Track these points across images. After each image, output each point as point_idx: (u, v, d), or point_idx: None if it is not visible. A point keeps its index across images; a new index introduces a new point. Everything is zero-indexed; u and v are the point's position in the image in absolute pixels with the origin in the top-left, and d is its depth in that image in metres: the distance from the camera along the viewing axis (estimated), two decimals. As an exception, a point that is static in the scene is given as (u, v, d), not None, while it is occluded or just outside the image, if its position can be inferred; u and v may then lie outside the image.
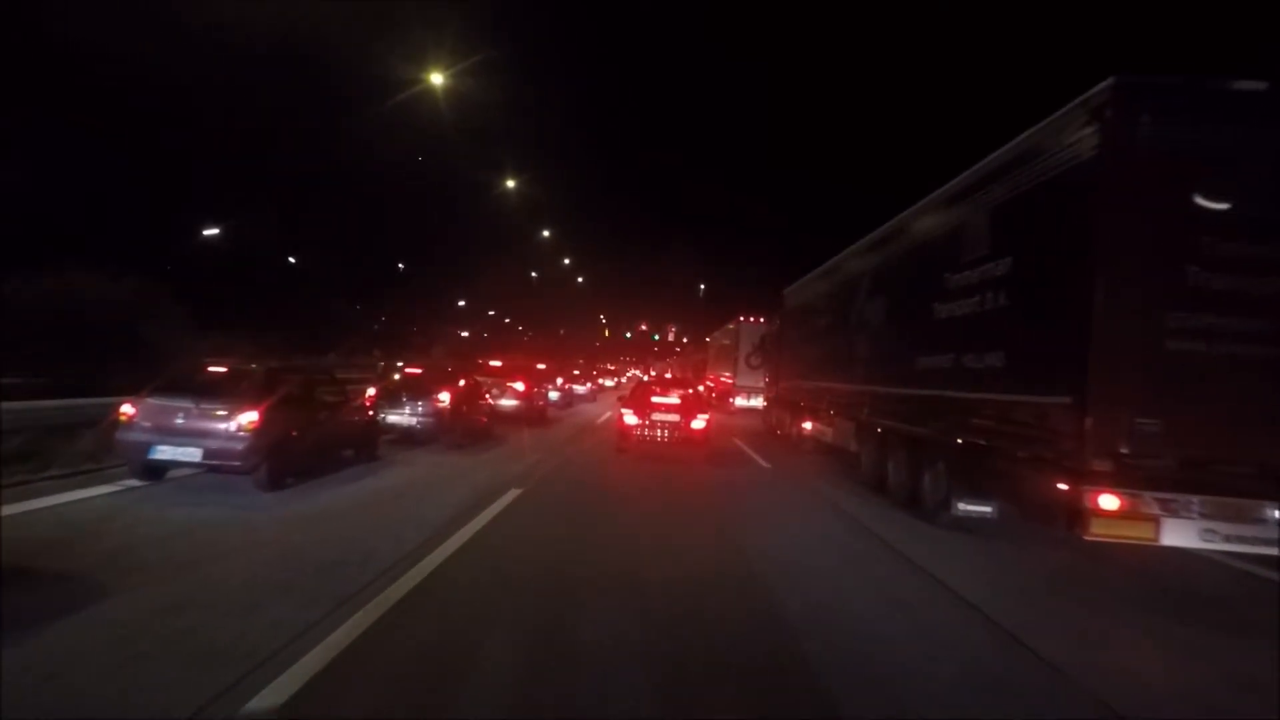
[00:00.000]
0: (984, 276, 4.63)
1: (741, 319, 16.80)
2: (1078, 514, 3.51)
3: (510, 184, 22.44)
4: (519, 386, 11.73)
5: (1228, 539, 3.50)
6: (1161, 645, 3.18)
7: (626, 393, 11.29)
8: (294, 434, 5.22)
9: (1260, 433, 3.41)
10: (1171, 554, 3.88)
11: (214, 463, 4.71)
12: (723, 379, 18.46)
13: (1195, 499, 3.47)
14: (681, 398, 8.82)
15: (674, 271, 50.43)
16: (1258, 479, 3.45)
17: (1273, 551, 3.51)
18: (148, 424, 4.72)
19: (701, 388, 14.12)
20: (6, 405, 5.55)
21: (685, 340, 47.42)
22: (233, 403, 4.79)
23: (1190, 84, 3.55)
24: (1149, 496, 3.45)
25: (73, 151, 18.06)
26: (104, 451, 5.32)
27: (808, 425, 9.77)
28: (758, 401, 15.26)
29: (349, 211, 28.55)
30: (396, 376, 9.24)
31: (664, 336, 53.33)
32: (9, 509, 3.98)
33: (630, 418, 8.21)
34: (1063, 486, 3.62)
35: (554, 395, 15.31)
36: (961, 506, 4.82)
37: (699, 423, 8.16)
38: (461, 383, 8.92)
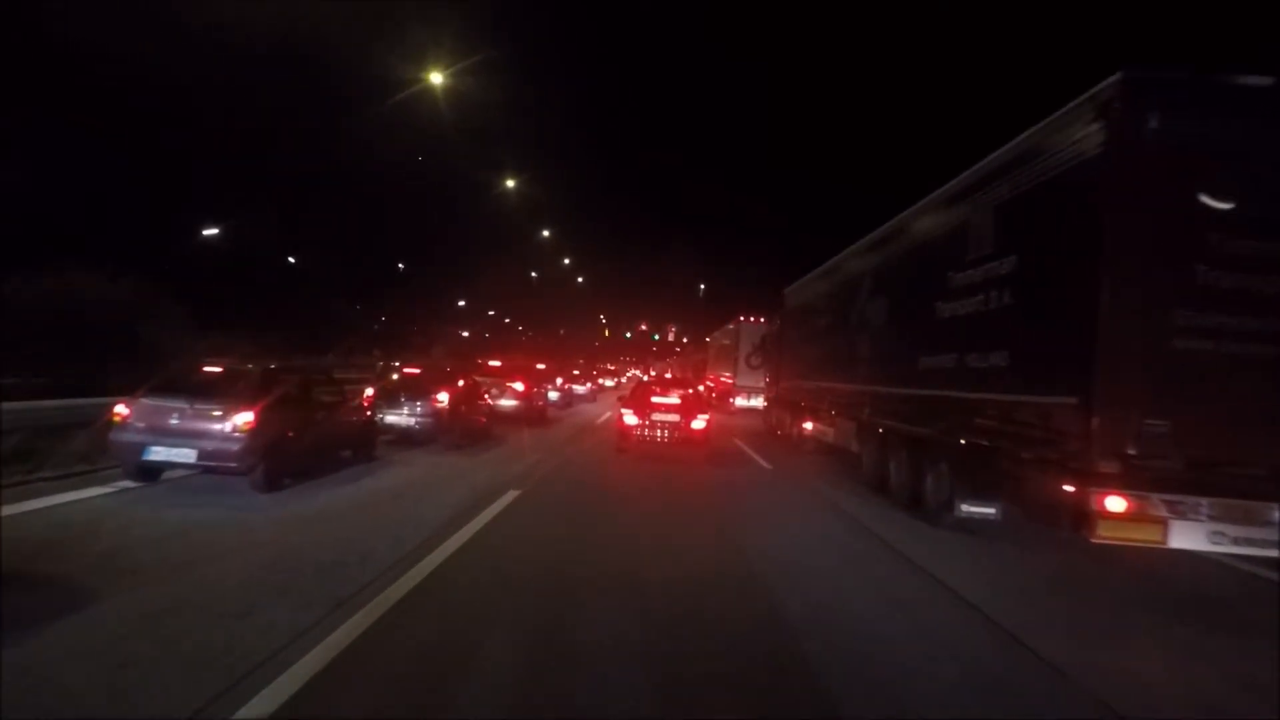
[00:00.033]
0: (988, 275, 4.58)
1: (742, 319, 16.77)
2: (1084, 516, 3.47)
3: (510, 184, 22.42)
4: (518, 387, 11.68)
5: (1236, 541, 3.45)
6: (1162, 646, 3.16)
7: (626, 393, 11.25)
8: (290, 434, 5.17)
9: (1270, 433, 3.36)
10: (1177, 555, 3.84)
11: (209, 464, 4.67)
12: (723, 379, 18.43)
13: (1203, 501, 3.42)
14: (681, 398, 8.80)
15: (674, 271, 50.45)
16: (1267, 481, 3.40)
17: None
18: (142, 425, 4.67)
19: (701, 388, 14.08)
20: (5, 405, 5.51)
21: (685, 340, 47.39)
22: (228, 403, 4.75)
23: (1197, 79, 3.50)
24: (1156, 498, 3.40)
25: (73, 151, 18.03)
26: (98, 452, 5.28)
27: (808, 425, 9.72)
28: (758, 401, 15.22)
29: (349, 211, 28.54)
30: (395, 376, 9.17)
31: (664, 336, 53.29)
32: (3, 510, 3.94)
33: (630, 418, 8.19)
34: (1069, 488, 3.57)
35: (554, 395, 15.26)
36: (964, 508, 4.78)
37: (699, 423, 8.14)
38: (460, 383, 8.87)
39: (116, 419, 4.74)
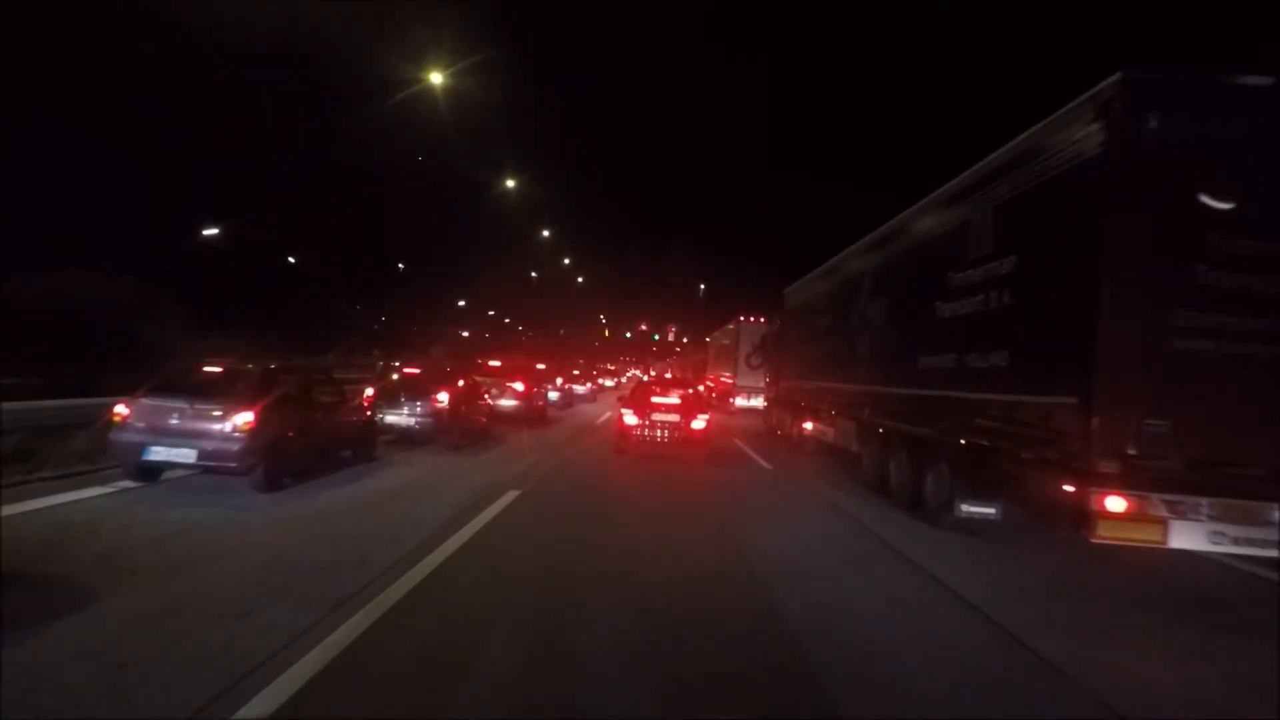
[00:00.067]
0: (988, 275, 4.58)
1: (742, 319, 16.76)
2: (1084, 516, 3.46)
3: (510, 184, 22.40)
4: (518, 387, 11.68)
5: (1236, 541, 3.45)
6: (1163, 646, 3.16)
7: (626, 393, 11.25)
8: (290, 434, 5.17)
9: (1270, 433, 3.36)
10: (1177, 556, 3.84)
11: (209, 464, 4.66)
12: (723, 379, 18.42)
13: (1204, 501, 3.42)
14: (681, 398, 8.80)
15: (674, 271, 50.41)
16: (1267, 481, 3.40)
17: None
18: (142, 425, 4.67)
19: (701, 388, 14.07)
20: (5, 406, 5.51)
21: (685, 340, 47.38)
22: (228, 403, 4.74)
23: (1198, 78, 3.50)
24: (1157, 498, 3.40)
25: (73, 151, 18.03)
26: (98, 452, 5.28)
27: (808, 425, 9.72)
28: (758, 402, 15.21)
29: (349, 211, 28.54)
30: (395, 376, 9.16)
31: (664, 336, 53.28)
32: (3, 510, 3.94)
33: (630, 418, 8.17)
34: (1069, 488, 3.57)
35: (553, 395, 15.25)
36: (965, 508, 4.77)
37: (699, 423, 8.13)
38: (460, 383, 8.87)
39: (116, 419, 4.74)
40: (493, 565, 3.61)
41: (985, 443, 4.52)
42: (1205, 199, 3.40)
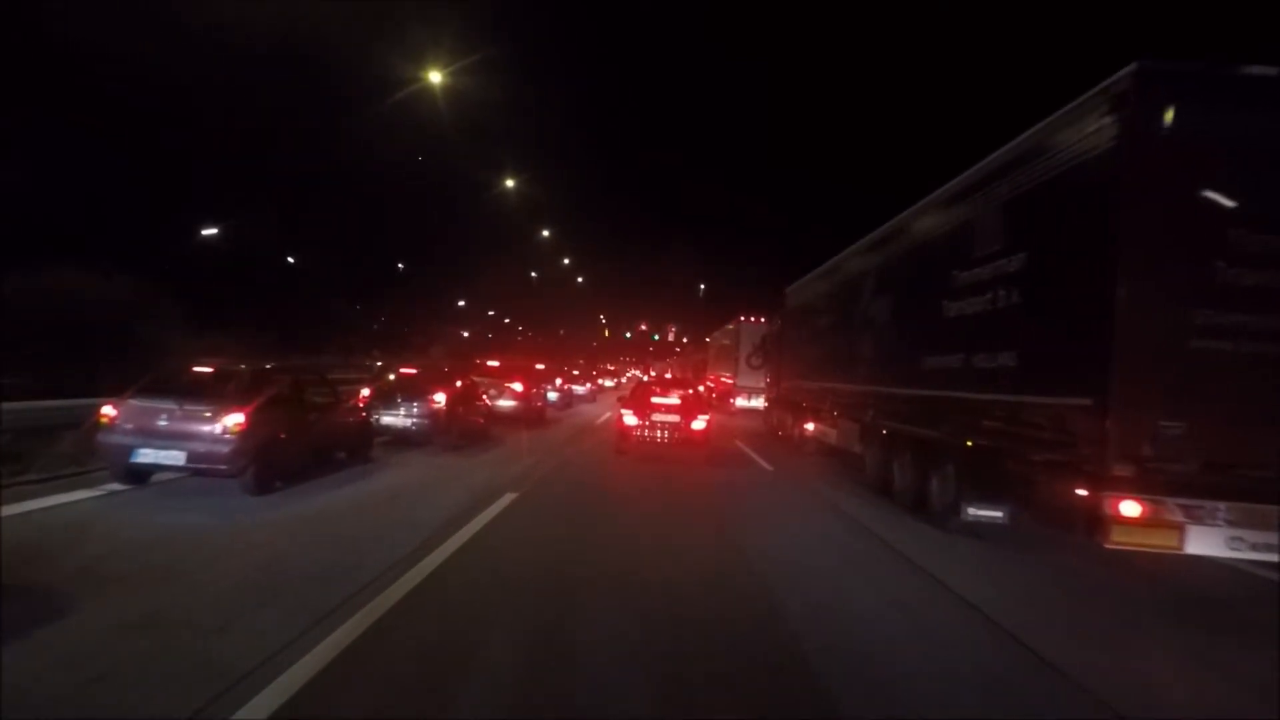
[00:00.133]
0: (996, 273, 4.47)
1: (742, 319, 16.67)
2: (1097, 521, 3.37)
3: (510, 184, 22.33)
4: (517, 387, 11.58)
5: (1255, 547, 3.35)
6: (1164, 646, 3.12)
7: (626, 393, 11.16)
8: (282, 436, 5.07)
9: None
10: (1185, 557, 3.69)
11: (199, 466, 4.57)
12: (723, 379, 18.33)
13: (1221, 505, 3.32)
14: (681, 398, 8.74)
15: (674, 271, 50.35)
16: None
17: None
18: (130, 426, 4.56)
19: (702, 388, 13.98)
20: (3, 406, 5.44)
21: (685, 340, 47.27)
22: (218, 404, 4.64)
23: (1214, 70, 3.40)
24: (1173, 503, 3.30)
25: (73, 151, 17.99)
26: (86, 454, 5.18)
27: (810, 426, 9.62)
28: (759, 402, 15.12)
29: (349, 211, 28.49)
30: (391, 376, 9.05)
31: (664, 336, 53.16)
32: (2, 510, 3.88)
33: (630, 418, 8.12)
34: (1081, 492, 3.47)
35: (553, 396, 15.15)
36: (971, 511, 4.67)
37: (699, 423, 8.06)
38: (458, 383, 8.77)
39: (104, 420, 4.64)
40: (492, 566, 3.58)
41: (993, 445, 4.43)
42: (1223, 194, 3.29)
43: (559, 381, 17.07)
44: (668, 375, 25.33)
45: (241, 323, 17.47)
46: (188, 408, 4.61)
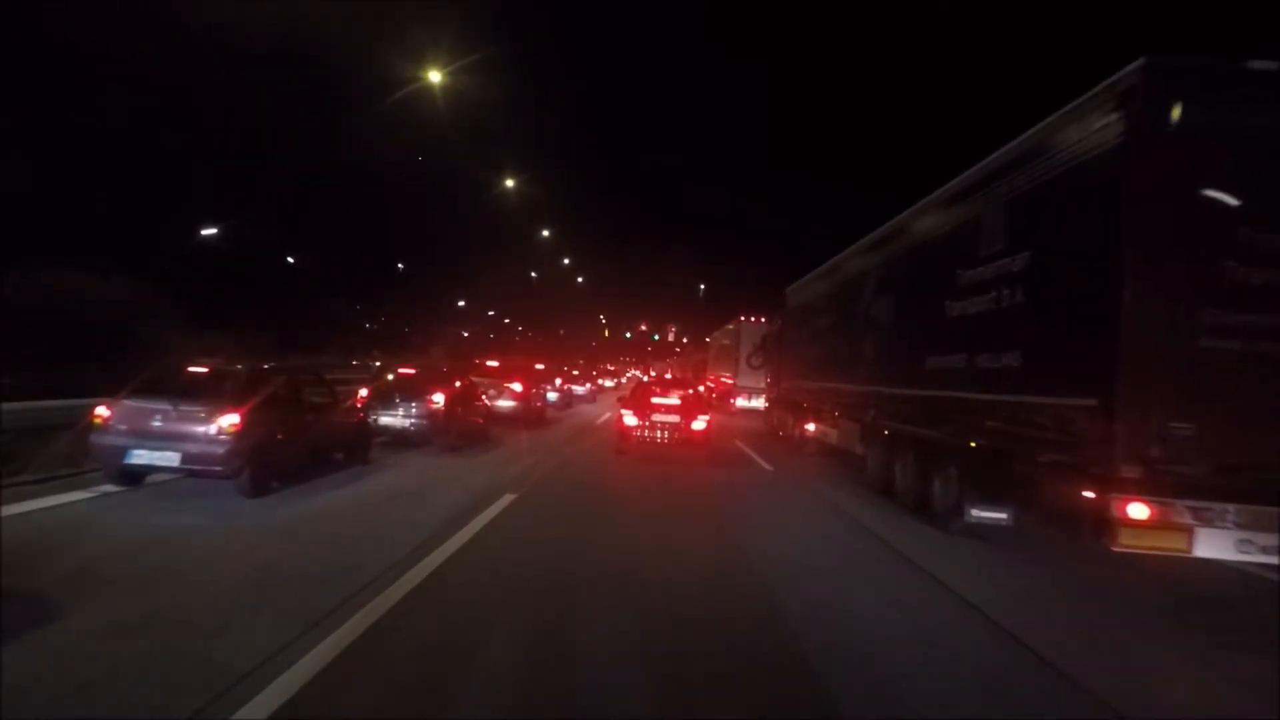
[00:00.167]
0: (1000, 272, 4.42)
1: (742, 318, 16.63)
2: (1104, 524, 3.32)
3: (510, 184, 22.28)
4: (516, 387, 11.53)
5: (1265, 550, 3.30)
6: (1165, 646, 3.11)
7: (626, 393, 11.12)
8: (279, 437, 5.02)
9: None
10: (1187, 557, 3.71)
11: (193, 467, 4.51)
12: (723, 379, 18.29)
13: (1230, 507, 3.27)
14: (682, 398, 8.71)
15: (674, 271, 50.25)
16: None
17: None
18: (123, 427, 4.51)
19: (702, 388, 13.93)
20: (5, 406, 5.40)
21: (685, 340, 47.24)
22: (213, 404, 4.59)
23: (1222, 66, 3.34)
24: (1181, 505, 3.25)
25: (73, 151, 17.97)
26: (81, 455, 5.13)
27: (811, 427, 9.57)
28: (759, 402, 15.07)
29: (349, 211, 28.45)
30: (390, 377, 9.00)
31: (664, 337, 53.10)
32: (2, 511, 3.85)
33: (630, 418, 8.09)
34: (1088, 494, 3.42)
35: (552, 396, 15.11)
36: (975, 513, 4.62)
37: (699, 424, 8.03)
38: (457, 383, 8.72)
39: (97, 421, 4.58)
40: (492, 567, 3.57)
41: (997, 445, 4.38)
42: (1233, 191, 3.24)
43: (559, 382, 17.02)
44: (668, 375, 25.29)
45: (241, 323, 17.44)
46: (182, 408, 4.55)
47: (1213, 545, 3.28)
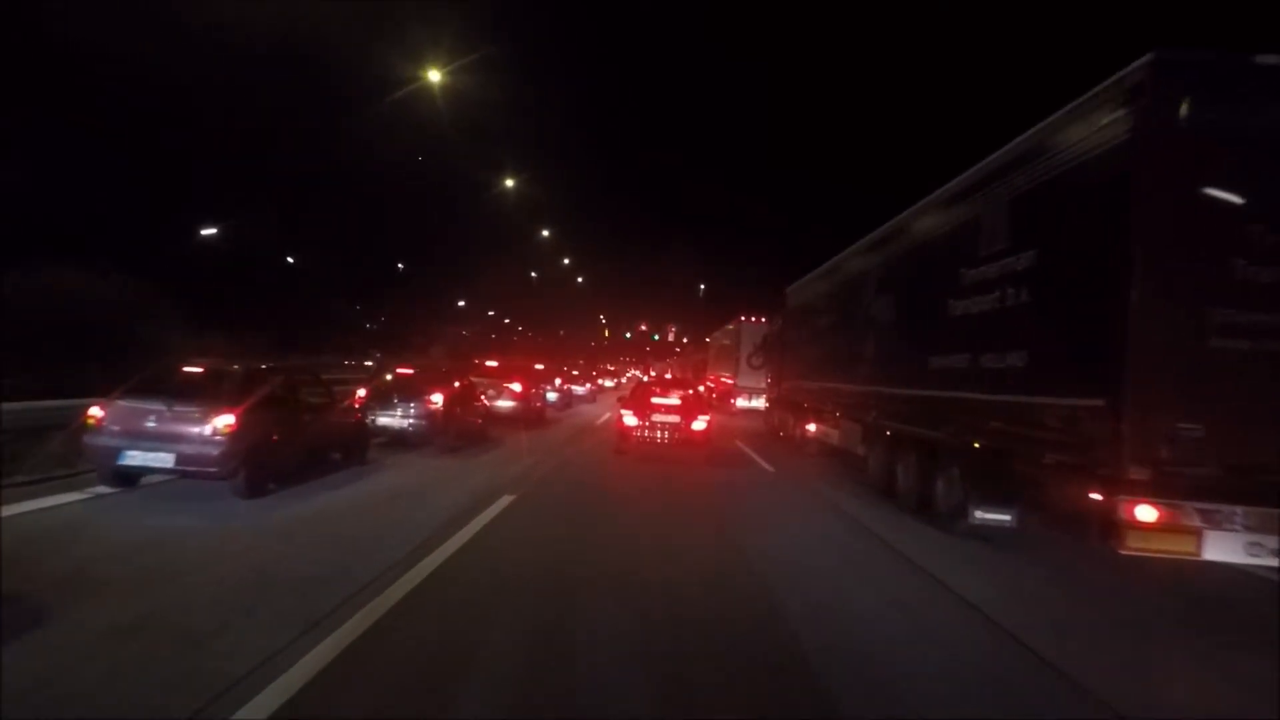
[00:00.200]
0: (1004, 271, 4.36)
1: (743, 318, 16.58)
2: (1112, 526, 3.26)
3: (510, 183, 22.24)
4: (516, 387, 11.48)
5: (1276, 553, 3.23)
6: (1165, 647, 3.10)
7: (626, 393, 11.08)
8: (275, 438, 4.97)
9: None
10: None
11: (188, 468, 4.46)
12: (723, 379, 18.25)
13: (1239, 510, 3.22)
14: (682, 398, 8.68)
15: (674, 271, 50.21)
16: None
17: None
18: (117, 428, 4.45)
19: (702, 388, 13.88)
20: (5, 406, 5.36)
21: (685, 340, 47.18)
22: (208, 404, 4.54)
23: (1232, 61, 3.29)
24: (1190, 507, 3.20)
25: (73, 151, 17.95)
26: (75, 456, 5.08)
27: (812, 427, 9.51)
28: (759, 402, 15.02)
29: (349, 211, 28.44)
30: (388, 377, 8.95)
31: (664, 337, 53.04)
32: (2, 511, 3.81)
33: (630, 419, 8.06)
34: (1095, 496, 3.37)
35: (552, 396, 15.06)
36: (978, 514, 4.56)
37: (699, 424, 8.00)
38: (456, 383, 8.67)
39: (91, 421, 4.53)
40: (491, 567, 3.55)
41: (1001, 446, 4.33)
42: (1241, 188, 3.18)
43: (558, 382, 16.97)
44: (668, 375, 25.25)
45: (241, 323, 17.41)
46: (177, 408, 4.50)
47: (1222, 548, 3.23)
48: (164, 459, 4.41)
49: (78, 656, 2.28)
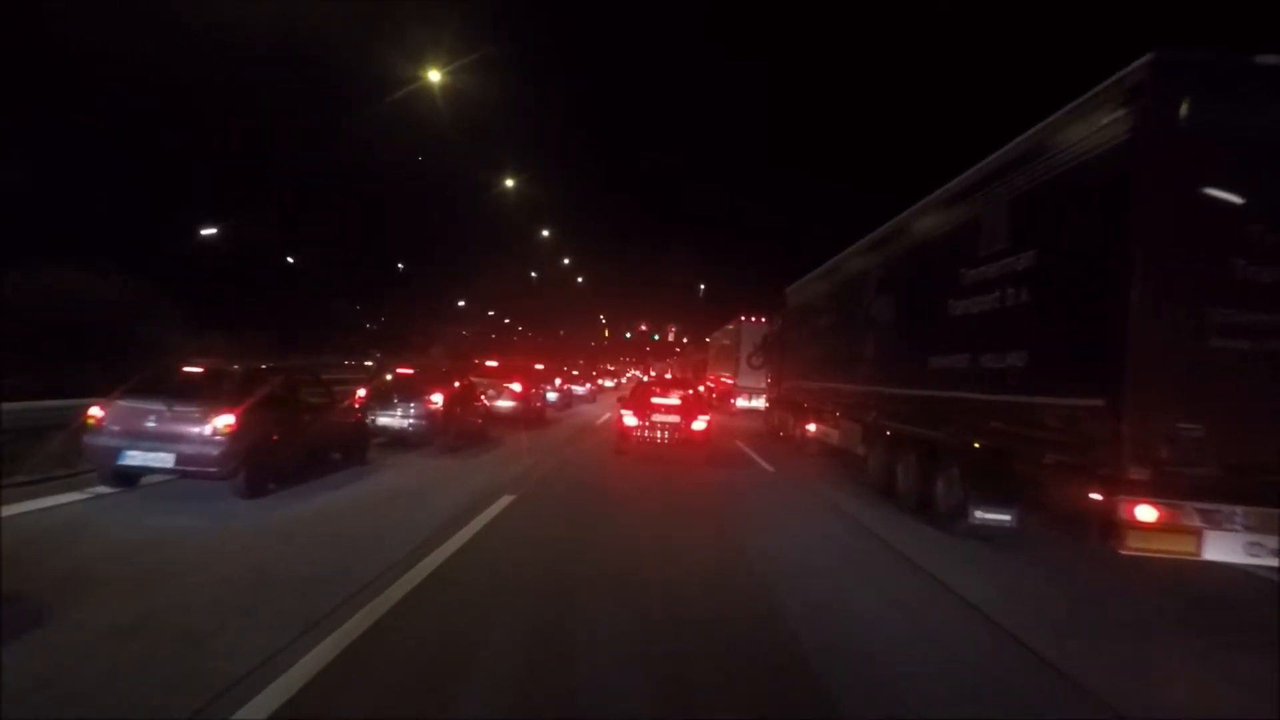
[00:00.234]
0: (1004, 271, 4.36)
1: (743, 318, 16.58)
2: (1112, 526, 3.26)
3: (510, 183, 22.24)
4: (516, 387, 11.48)
5: (1275, 553, 3.23)
6: (1166, 646, 3.10)
7: (626, 393, 11.08)
8: (275, 438, 4.97)
9: None
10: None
11: (188, 468, 4.46)
12: (723, 379, 18.25)
13: (1240, 510, 3.21)
14: (682, 398, 8.68)
15: (674, 271, 50.21)
16: None
17: None
18: (117, 428, 4.45)
19: (702, 388, 13.88)
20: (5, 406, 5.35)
21: (685, 340, 47.18)
22: (208, 404, 4.54)
23: (1232, 61, 3.29)
24: (1190, 507, 3.20)
25: (73, 151, 17.95)
26: (75, 456, 5.08)
27: (812, 427, 9.51)
28: (759, 402, 15.02)
29: (349, 211, 28.45)
30: (388, 377, 8.95)
31: (664, 337, 53.04)
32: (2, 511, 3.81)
33: (630, 419, 8.06)
34: (1095, 496, 3.37)
35: (552, 396, 15.06)
36: (978, 514, 4.56)
37: (699, 424, 7.99)
38: (456, 383, 8.67)
39: (91, 421, 4.53)
40: (492, 567, 3.56)
41: (1001, 446, 4.33)
42: (1241, 188, 3.18)
43: (558, 382, 16.97)
44: (668, 375, 25.25)
45: (241, 323, 17.41)
46: (177, 408, 4.50)
47: (1222, 548, 3.23)
48: (164, 459, 4.41)
49: (78, 656, 2.28)
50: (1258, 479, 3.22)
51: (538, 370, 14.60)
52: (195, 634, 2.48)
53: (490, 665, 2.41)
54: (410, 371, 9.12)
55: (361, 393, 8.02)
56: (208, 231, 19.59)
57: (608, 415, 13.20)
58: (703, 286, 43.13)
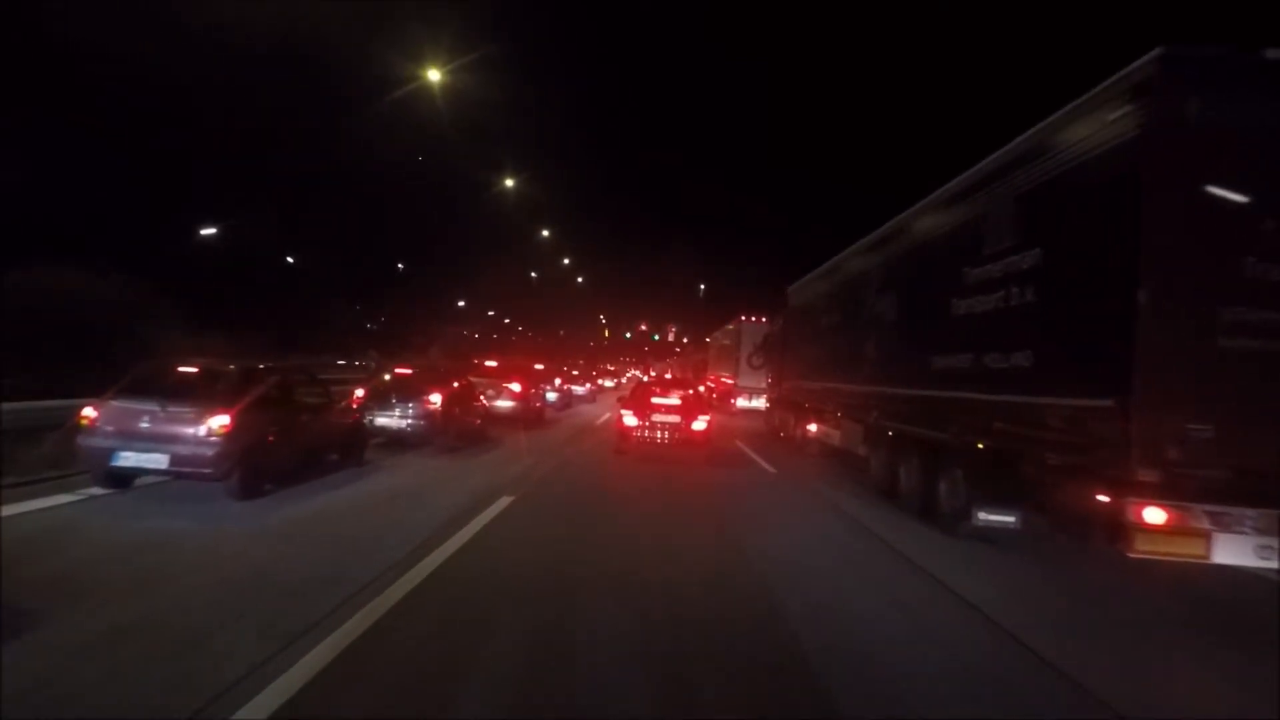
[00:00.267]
0: (1008, 270, 4.31)
1: (743, 318, 16.54)
2: (1120, 528, 3.21)
3: (510, 183, 22.21)
4: (515, 387, 11.43)
5: (1286, 557, 3.17)
6: (1166, 646, 3.07)
7: (626, 393, 11.03)
8: (270, 438, 4.92)
9: None
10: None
11: (182, 469, 4.42)
12: (724, 379, 18.20)
13: (1250, 512, 3.17)
14: (682, 398, 8.64)
15: (674, 271, 50.20)
16: None
17: None
18: (110, 428, 4.41)
19: (702, 388, 13.84)
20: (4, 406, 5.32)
21: (685, 340, 47.14)
22: (203, 405, 4.49)
23: (1241, 57, 3.23)
24: (1199, 510, 3.14)
25: (73, 151, 17.94)
26: (68, 457, 5.03)
27: (813, 428, 9.46)
28: (760, 403, 14.97)
29: (349, 211, 28.45)
30: (387, 377, 8.90)
31: (664, 337, 52.99)
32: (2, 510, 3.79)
33: (630, 419, 8.02)
34: (1102, 498, 3.31)
35: (552, 396, 15.01)
36: (982, 516, 4.51)
37: (700, 424, 7.95)
38: (455, 383, 8.62)
39: (84, 422, 4.49)
40: (491, 567, 3.55)
41: (1005, 447, 4.27)
42: (1251, 185, 3.12)
43: (558, 381, 16.93)
44: (668, 375, 25.20)
45: (241, 323, 17.40)
46: (171, 409, 4.45)
47: (1231, 551, 3.17)
48: (158, 460, 4.37)
49: (77, 657, 2.25)
50: (1268, 481, 3.16)
51: (537, 370, 14.55)
52: (194, 635, 2.46)
53: (490, 665, 2.40)
54: (409, 371, 9.07)
55: (360, 393, 7.97)
56: (207, 231, 19.56)
57: (607, 415, 13.16)
58: (703, 286, 43.12)
